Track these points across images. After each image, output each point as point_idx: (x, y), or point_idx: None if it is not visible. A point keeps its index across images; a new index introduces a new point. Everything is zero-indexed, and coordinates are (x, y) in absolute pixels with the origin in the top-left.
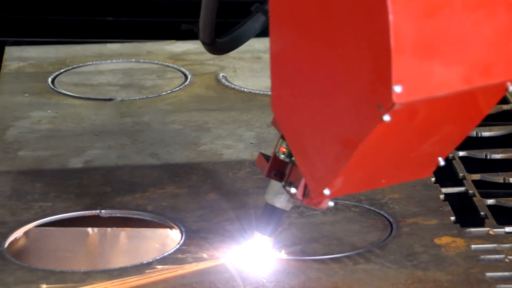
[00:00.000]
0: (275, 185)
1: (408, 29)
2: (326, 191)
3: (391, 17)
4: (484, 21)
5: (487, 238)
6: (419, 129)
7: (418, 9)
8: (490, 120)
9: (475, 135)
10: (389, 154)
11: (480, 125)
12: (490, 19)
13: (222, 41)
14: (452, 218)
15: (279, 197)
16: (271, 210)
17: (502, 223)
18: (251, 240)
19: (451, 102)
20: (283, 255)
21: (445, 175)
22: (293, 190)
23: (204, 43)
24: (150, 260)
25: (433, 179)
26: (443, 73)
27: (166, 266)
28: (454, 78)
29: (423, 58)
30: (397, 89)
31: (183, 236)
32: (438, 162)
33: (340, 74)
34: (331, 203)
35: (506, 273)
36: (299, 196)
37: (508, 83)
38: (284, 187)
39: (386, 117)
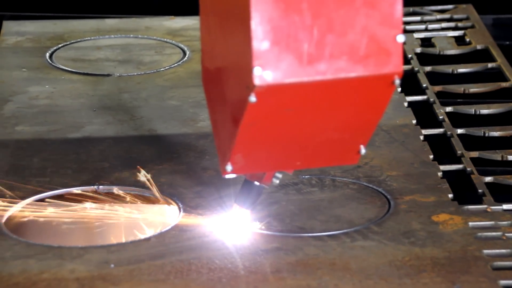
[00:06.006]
0: None
1: (270, 15)
2: (229, 167)
3: (252, 1)
4: (362, 13)
5: (484, 215)
6: (306, 113)
7: None
8: (488, 98)
9: (473, 113)
10: (283, 136)
11: (479, 103)
12: (368, 10)
13: None
14: (450, 195)
15: None
16: (249, 184)
17: (499, 200)
18: (231, 212)
19: (330, 89)
20: (280, 231)
21: (443, 153)
22: None
23: None
24: (148, 236)
25: (431, 156)
26: (308, 60)
27: (163, 242)
28: (321, 66)
29: (287, 44)
30: (257, 71)
31: (181, 213)
32: (360, 149)
33: (230, 57)
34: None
35: (503, 250)
36: None
37: (396, 77)
38: None
39: (252, 98)
